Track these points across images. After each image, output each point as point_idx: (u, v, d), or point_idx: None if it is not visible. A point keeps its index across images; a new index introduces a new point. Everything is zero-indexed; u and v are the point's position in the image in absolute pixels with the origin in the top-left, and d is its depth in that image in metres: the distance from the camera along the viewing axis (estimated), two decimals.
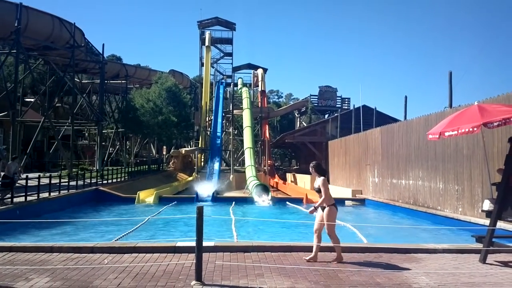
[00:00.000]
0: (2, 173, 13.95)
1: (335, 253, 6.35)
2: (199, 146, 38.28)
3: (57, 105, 38.22)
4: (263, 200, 20.71)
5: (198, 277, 5.13)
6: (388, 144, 18.21)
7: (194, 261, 5.20)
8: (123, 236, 10.00)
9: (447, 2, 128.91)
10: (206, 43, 44.56)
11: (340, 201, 20.28)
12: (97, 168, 29.93)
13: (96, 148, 34.91)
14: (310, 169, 6.62)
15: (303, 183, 29.49)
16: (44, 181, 15.76)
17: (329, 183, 27.31)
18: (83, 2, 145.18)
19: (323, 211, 6.32)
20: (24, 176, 14.67)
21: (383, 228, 11.99)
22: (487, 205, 6.87)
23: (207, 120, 39.44)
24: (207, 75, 42.54)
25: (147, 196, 20.18)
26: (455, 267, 6.24)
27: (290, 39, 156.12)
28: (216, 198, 21.45)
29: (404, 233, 11.25)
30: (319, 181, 6.36)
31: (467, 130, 6.10)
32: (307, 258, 6.29)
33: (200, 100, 42.61)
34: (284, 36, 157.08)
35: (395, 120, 24.16)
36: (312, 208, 6.49)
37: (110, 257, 6.52)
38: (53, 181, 16.20)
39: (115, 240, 8.86)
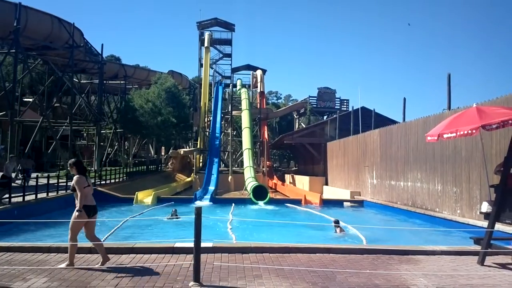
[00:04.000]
0: (1, 173, 13.93)
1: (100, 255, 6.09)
2: (198, 147, 38.18)
3: (55, 105, 38.03)
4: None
5: (196, 278, 5.12)
6: (386, 145, 18.22)
7: (192, 262, 5.20)
8: (109, 235, 9.97)
9: (445, 4, 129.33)
10: (206, 44, 44.46)
11: (339, 203, 20.44)
12: (96, 168, 29.86)
13: (94, 149, 34.82)
14: (69, 166, 6.20)
15: (301, 185, 29.47)
16: (42, 181, 15.72)
17: (327, 184, 27.08)
18: (83, 2, 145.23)
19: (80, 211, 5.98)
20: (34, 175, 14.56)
21: (382, 229, 12.00)
22: (485, 207, 6.89)
23: (206, 121, 39.36)
24: (206, 76, 42.48)
25: (146, 196, 20.15)
26: (453, 269, 6.25)
27: (289, 41, 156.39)
28: (215, 199, 21.44)
29: (402, 235, 11.25)
30: (74, 179, 6.04)
31: (465, 132, 6.10)
32: (63, 265, 5.88)
33: (199, 101, 42.51)
34: (283, 37, 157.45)
35: (393, 122, 24.17)
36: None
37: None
38: (51, 181, 16.18)
39: (103, 239, 8.85)
